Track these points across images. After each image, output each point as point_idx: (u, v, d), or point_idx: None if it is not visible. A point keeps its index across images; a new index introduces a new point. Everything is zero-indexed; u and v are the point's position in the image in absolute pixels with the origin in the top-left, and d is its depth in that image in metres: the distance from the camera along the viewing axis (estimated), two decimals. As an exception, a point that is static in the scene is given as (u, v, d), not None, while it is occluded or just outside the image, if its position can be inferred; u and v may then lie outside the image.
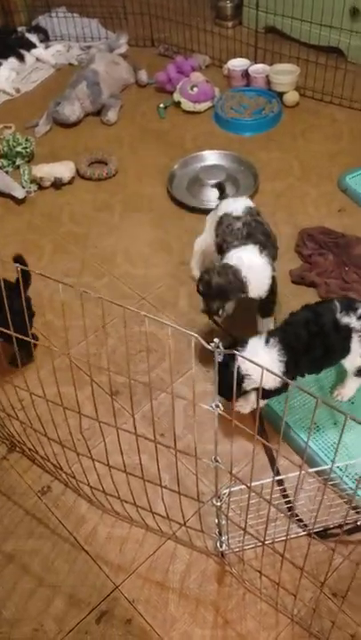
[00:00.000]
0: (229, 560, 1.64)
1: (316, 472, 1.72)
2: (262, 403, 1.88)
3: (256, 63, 3.29)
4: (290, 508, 1.68)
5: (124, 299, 2.33)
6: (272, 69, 3.19)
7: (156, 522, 1.67)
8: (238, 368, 1.70)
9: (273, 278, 2.00)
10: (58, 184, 2.79)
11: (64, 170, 2.79)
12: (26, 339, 1.37)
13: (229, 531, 1.60)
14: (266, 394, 1.79)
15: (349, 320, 1.74)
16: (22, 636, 1.57)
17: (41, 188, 2.80)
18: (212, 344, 1.01)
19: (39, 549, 1.71)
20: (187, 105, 3.17)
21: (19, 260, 1.91)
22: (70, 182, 2.82)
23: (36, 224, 2.66)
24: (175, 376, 2.05)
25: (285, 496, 1.71)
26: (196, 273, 2.24)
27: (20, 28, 3.69)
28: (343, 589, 1.56)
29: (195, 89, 3.14)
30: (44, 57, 3.58)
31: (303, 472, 1.04)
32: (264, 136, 3.01)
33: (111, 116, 3.14)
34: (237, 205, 2.08)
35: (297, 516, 1.67)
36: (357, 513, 1.65)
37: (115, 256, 2.51)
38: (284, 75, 3.16)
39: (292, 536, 1.63)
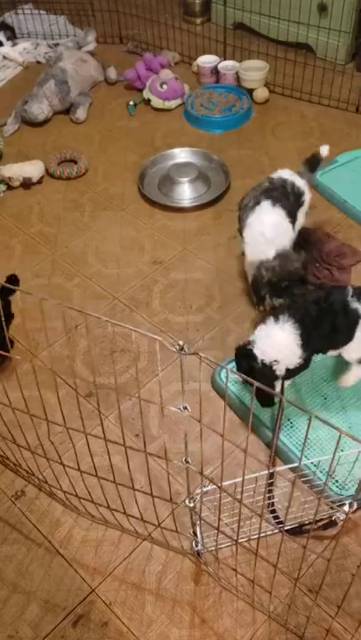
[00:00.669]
0: (205, 559, 1.64)
1: (292, 469, 1.74)
2: (287, 383, 1.87)
3: (225, 60, 3.28)
4: (270, 505, 1.68)
5: (97, 299, 2.32)
6: (241, 66, 3.19)
7: (131, 523, 1.66)
8: (263, 361, 1.71)
9: None
10: (27, 184, 2.75)
11: (33, 169, 2.76)
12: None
13: (204, 530, 1.60)
14: (291, 374, 1.79)
15: (359, 306, 1.74)
16: (-3, 644, 1.55)
17: (10, 188, 2.77)
18: (176, 346, 1.00)
19: (13, 555, 1.69)
20: (157, 102, 3.15)
21: (12, 279, 2.03)
22: (40, 182, 2.79)
23: (5, 225, 2.63)
24: (150, 376, 2.05)
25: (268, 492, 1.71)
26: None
27: (-15, 26, 3.65)
28: (319, 584, 1.57)
29: (164, 86, 3.13)
30: (11, 55, 3.53)
31: (272, 470, 1.04)
32: (234, 133, 3.01)
33: (80, 114, 3.12)
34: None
35: (274, 512, 1.68)
36: (331, 508, 1.65)
37: (86, 256, 2.49)
38: (254, 71, 3.16)
39: (269, 533, 1.64)
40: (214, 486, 1.36)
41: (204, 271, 2.39)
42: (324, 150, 2.27)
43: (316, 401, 1.93)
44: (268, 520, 1.21)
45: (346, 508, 1.56)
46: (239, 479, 1.15)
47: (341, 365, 1.96)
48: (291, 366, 1.76)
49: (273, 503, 1.69)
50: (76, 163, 2.85)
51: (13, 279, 2.03)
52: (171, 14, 3.59)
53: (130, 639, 1.53)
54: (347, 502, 1.59)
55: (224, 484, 1.22)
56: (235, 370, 1.89)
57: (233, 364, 2.02)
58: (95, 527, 1.73)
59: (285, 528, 1.64)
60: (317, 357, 2.02)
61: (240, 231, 2.16)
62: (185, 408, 1.06)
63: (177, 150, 2.89)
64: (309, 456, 1.78)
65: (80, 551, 1.69)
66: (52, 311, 2.25)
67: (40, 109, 3.04)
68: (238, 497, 1.14)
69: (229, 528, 1.63)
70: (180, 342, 1.00)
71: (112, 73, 3.34)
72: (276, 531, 1.62)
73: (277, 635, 1.51)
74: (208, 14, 3.71)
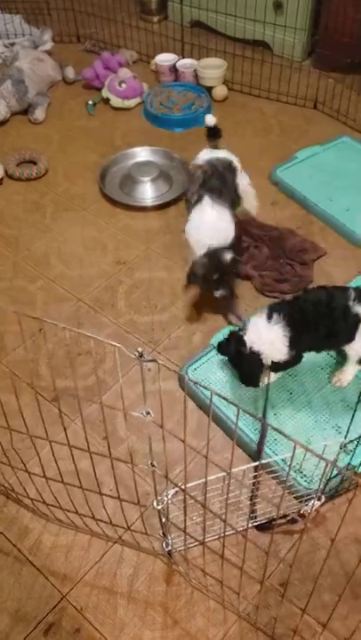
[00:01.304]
0: (176, 559, 1.63)
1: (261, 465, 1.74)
2: (275, 376, 1.92)
3: (183, 58, 3.28)
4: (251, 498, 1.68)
5: (61, 301, 2.29)
6: (200, 64, 3.19)
7: (101, 527, 1.64)
8: (251, 349, 1.78)
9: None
10: (-14, 186, 2.71)
11: (-8, 171, 2.72)
12: None
13: (174, 530, 1.59)
14: (277, 367, 1.85)
15: (360, 309, 1.76)
16: (-33, 656, 1.52)
17: (-32, 190, 2.72)
18: (136, 352, 0.99)
19: (-19, 565, 1.66)
20: (116, 101, 3.13)
21: None
22: (-1, 183, 2.75)
23: (-36, 228, 2.59)
24: (116, 377, 2.03)
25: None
26: None
27: None
28: (291, 578, 1.58)
29: (123, 85, 3.11)
30: (-34, 55, 3.47)
31: (234, 470, 1.04)
32: (195, 131, 3.00)
33: (39, 114, 3.08)
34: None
35: (250, 508, 1.68)
36: (300, 502, 1.67)
37: (48, 258, 2.46)
38: (212, 69, 3.16)
39: (239, 529, 1.64)
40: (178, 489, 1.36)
41: (169, 270, 2.38)
42: (209, 120, 2.35)
43: (282, 396, 1.94)
44: (230, 525, 1.21)
45: (313, 501, 1.59)
46: (203, 480, 1.14)
47: (335, 364, 1.99)
48: (276, 360, 1.81)
49: (251, 497, 1.70)
50: (35, 164, 2.81)
51: None
52: (128, 13, 3.57)
53: (103, 644, 1.52)
54: (314, 496, 1.62)
55: (189, 485, 1.22)
56: (192, 378, 1.92)
57: (196, 364, 2.03)
58: (65, 532, 1.71)
59: (255, 524, 1.65)
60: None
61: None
62: (147, 413, 1.05)
63: (138, 149, 2.88)
64: (277, 452, 1.79)
65: (50, 557, 1.67)
66: (13, 315, 2.21)
67: (-3, 110, 3.00)
68: (208, 496, 1.14)
69: (200, 527, 1.63)
70: (139, 349, 0.99)
71: (70, 72, 3.31)
72: (241, 529, 1.63)
73: (249, 632, 1.52)
74: (165, 12, 3.70)
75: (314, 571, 1.60)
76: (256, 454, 1.76)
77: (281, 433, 0.92)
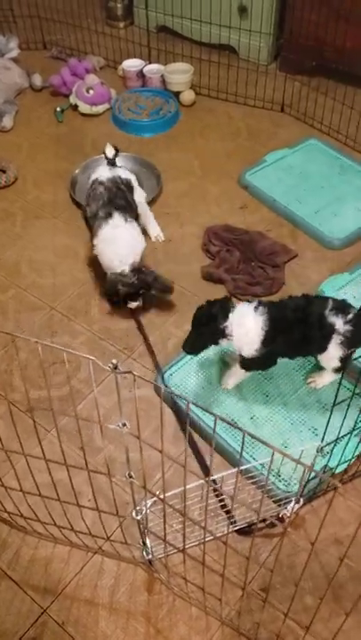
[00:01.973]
0: (157, 567, 1.62)
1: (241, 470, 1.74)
2: (245, 374, 1.91)
3: (150, 63, 3.28)
4: (222, 507, 1.68)
5: (33, 310, 2.27)
6: (166, 69, 3.19)
7: (80, 538, 1.63)
8: (225, 326, 1.78)
9: None
10: None
11: None
12: None
13: (153, 538, 1.58)
14: (246, 364, 1.86)
15: (335, 320, 1.75)
16: None
17: None
18: (110, 365, 0.98)
19: None
20: (84, 108, 3.12)
21: None
22: (-33, 193, 2.72)
23: None
24: (91, 387, 2.02)
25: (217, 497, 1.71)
26: None
27: None
28: (272, 583, 1.58)
29: (91, 91, 3.09)
30: None
31: (208, 478, 1.03)
32: (163, 136, 3.01)
33: (6, 122, 3.05)
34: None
35: (228, 512, 1.67)
36: (279, 506, 1.67)
37: (19, 266, 2.43)
38: (179, 74, 3.17)
39: (218, 535, 1.64)
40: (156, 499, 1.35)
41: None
42: (109, 151, 2.44)
43: (259, 398, 1.95)
44: (210, 531, 1.21)
45: (291, 504, 1.60)
46: (181, 489, 1.14)
47: (314, 367, 2.00)
48: (245, 354, 1.81)
49: (224, 505, 1.70)
50: (4, 172, 2.78)
51: None
52: (93, 19, 3.55)
53: (85, 657, 1.51)
54: (292, 499, 1.63)
55: (168, 494, 1.21)
56: (169, 384, 1.92)
57: (172, 369, 2.02)
58: (43, 545, 1.69)
59: (235, 528, 1.65)
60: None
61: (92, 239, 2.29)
62: (124, 425, 1.05)
63: (107, 155, 2.86)
64: (255, 456, 1.79)
65: (29, 571, 1.65)
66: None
67: (-36, 119, 2.96)
68: (186, 504, 1.14)
69: (180, 534, 1.62)
70: (114, 361, 0.99)
71: (37, 79, 3.29)
72: (220, 534, 1.62)
73: (233, 638, 1.52)
74: (131, 18, 3.69)
75: (294, 573, 1.60)
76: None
77: (259, 440, 0.92)
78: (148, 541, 1.56)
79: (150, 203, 2.64)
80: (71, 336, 2.18)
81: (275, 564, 1.18)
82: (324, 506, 1.71)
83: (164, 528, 1.30)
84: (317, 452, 1.30)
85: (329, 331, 1.76)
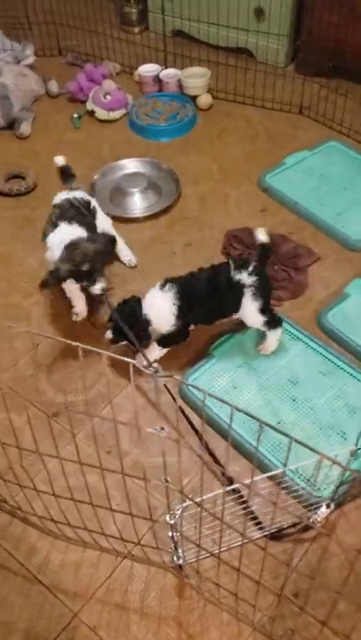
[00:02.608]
0: (188, 572, 1.62)
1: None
2: (162, 351, 1.96)
3: (167, 68, 3.29)
4: (249, 513, 1.67)
5: (56, 316, 2.28)
6: (183, 73, 3.20)
7: (110, 543, 1.63)
8: (143, 313, 1.91)
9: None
10: (-25, 203, 2.69)
11: (-20, 188, 2.70)
12: None
13: (185, 543, 1.58)
14: (164, 341, 1.95)
15: (241, 277, 1.89)
16: None
17: None
18: (151, 368, 0.98)
19: (-10, 587, 1.64)
20: (101, 113, 3.13)
21: None
22: (-12, 200, 2.73)
23: None
24: (115, 390, 2.02)
25: (243, 502, 1.70)
26: None
27: None
28: (304, 588, 1.57)
29: (108, 97, 3.11)
30: None
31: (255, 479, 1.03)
32: (181, 140, 3.01)
33: (24, 129, 3.07)
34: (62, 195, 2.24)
35: (256, 518, 1.66)
36: (309, 511, 1.66)
37: (41, 273, 2.42)
38: (196, 78, 3.17)
39: (252, 538, 1.63)
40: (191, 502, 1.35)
41: (162, 279, 2.37)
42: (58, 160, 2.38)
43: (285, 403, 1.94)
44: (247, 537, 1.20)
45: (323, 509, 1.59)
46: (217, 492, 1.14)
47: (262, 335, 2.06)
48: (164, 331, 1.92)
49: (252, 511, 1.69)
50: (23, 178, 2.80)
51: None
52: (109, 24, 3.57)
53: (117, 662, 1.50)
54: (323, 504, 1.62)
55: (203, 498, 1.21)
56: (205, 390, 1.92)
57: (196, 374, 2.02)
58: (73, 549, 1.70)
59: (266, 533, 1.64)
60: (283, 361, 2.04)
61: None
62: (162, 429, 1.05)
63: (126, 161, 2.88)
64: (280, 459, 1.78)
65: (59, 576, 1.65)
66: (6, 332, 2.20)
67: (-17, 126, 2.98)
68: (218, 509, 1.13)
69: (210, 539, 1.62)
70: (155, 365, 0.99)
71: (53, 86, 3.30)
72: (254, 537, 1.62)
73: (265, 643, 1.51)
74: (146, 23, 3.70)
75: (325, 579, 1.59)
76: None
77: (305, 445, 0.91)
78: (179, 546, 1.55)
79: (169, 207, 2.65)
80: (95, 341, 2.18)
81: (312, 570, 1.17)
82: (353, 510, 1.70)
83: (199, 532, 1.30)
84: (351, 456, 1.29)
85: (238, 288, 1.90)
